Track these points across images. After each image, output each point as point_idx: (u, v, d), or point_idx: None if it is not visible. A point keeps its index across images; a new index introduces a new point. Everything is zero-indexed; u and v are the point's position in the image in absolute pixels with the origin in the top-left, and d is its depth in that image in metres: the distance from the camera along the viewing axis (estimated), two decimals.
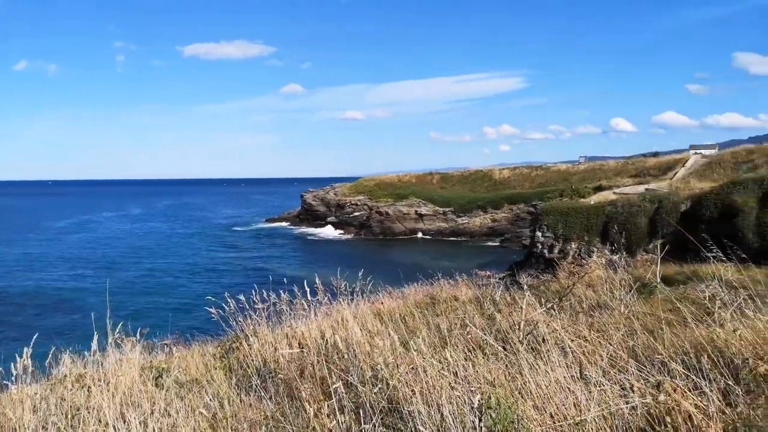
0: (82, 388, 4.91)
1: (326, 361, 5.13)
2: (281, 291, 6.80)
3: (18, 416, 4.40)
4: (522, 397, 3.51)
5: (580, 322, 5.45)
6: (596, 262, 11.74)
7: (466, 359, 4.15)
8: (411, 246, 69.80)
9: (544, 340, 4.42)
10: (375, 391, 3.77)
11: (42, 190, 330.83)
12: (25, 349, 5.04)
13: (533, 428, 3.16)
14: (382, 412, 3.67)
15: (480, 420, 3.12)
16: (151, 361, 6.26)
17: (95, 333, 5.38)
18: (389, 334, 5.03)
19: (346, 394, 3.97)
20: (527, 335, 4.86)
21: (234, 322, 6.54)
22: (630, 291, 7.55)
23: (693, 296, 6.48)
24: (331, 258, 53.03)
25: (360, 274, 7.99)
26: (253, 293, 6.72)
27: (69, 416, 4.44)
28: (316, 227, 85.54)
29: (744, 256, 7.31)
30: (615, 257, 10.64)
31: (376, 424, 3.54)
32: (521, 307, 5.35)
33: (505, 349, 4.51)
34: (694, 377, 3.41)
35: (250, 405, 4.75)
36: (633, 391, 3.36)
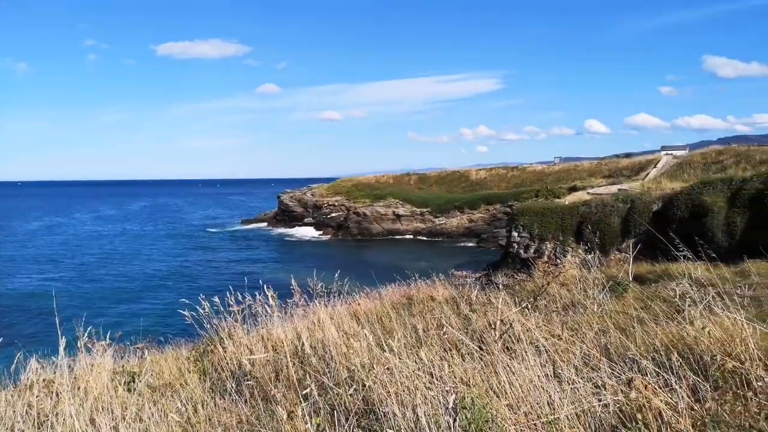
0: (51, 394, 4.80)
1: (302, 363, 5.09)
2: (257, 293, 6.73)
3: None
4: (497, 396, 3.53)
5: (554, 321, 5.51)
6: (571, 262, 11.89)
7: (441, 359, 4.16)
8: (388, 246, 69.84)
9: (518, 339, 4.46)
10: (350, 392, 3.75)
11: (10, 191, 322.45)
12: None
13: (507, 427, 3.18)
14: (358, 414, 3.66)
15: (455, 420, 3.13)
16: (123, 366, 6.15)
17: (64, 337, 5.25)
18: (365, 335, 5.02)
19: (321, 396, 3.94)
20: (502, 335, 4.89)
21: (209, 325, 6.46)
22: (603, 290, 7.67)
23: (664, 294, 6.62)
24: (308, 259, 52.75)
25: (336, 276, 7.96)
26: (228, 295, 6.64)
27: (37, 423, 4.33)
28: (293, 228, 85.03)
29: (713, 255, 7.48)
30: (589, 257, 10.81)
31: (352, 426, 3.52)
32: (497, 307, 5.39)
33: (480, 349, 4.53)
34: (664, 374, 3.47)
35: (225, 409, 4.69)
36: (605, 389, 3.41)
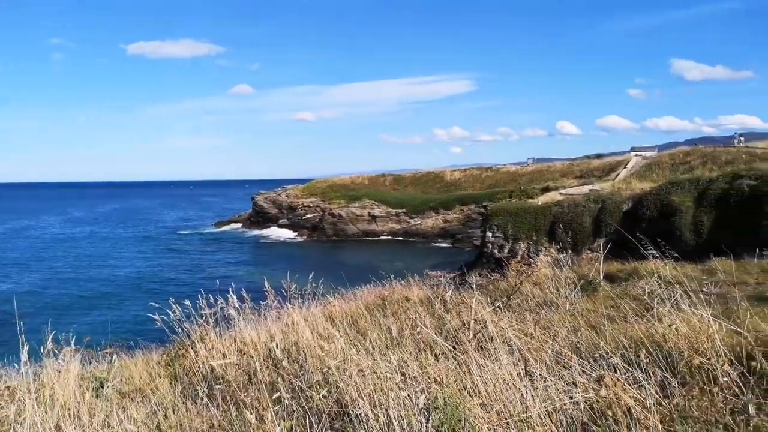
0: (15, 401, 4.65)
1: (275, 366, 5.04)
2: (230, 296, 6.63)
3: None
4: (470, 395, 3.54)
5: (527, 319, 5.56)
6: (543, 261, 12.04)
7: (415, 359, 4.16)
8: (364, 247, 69.77)
9: (492, 338, 4.48)
10: (322, 394, 3.73)
11: None
12: None
13: (480, 426, 3.19)
14: (330, 416, 3.63)
15: (428, 420, 3.13)
16: (91, 371, 6.00)
17: (27, 343, 5.09)
18: (339, 337, 4.99)
19: (294, 399, 3.91)
20: (476, 334, 4.92)
21: (180, 329, 6.34)
22: (575, 289, 7.78)
23: (633, 293, 6.74)
24: (282, 261, 52.32)
25: (311, 277, 7.91)
26: (200, 299, 6.54)
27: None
28: (267, 229, 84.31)
29: (676, 254, 7.64)
30: (561, 256, 10.94)
31: (325, 429, 3.50)
32: (470, 307, 5.41)
33: (454, 349, 4.54)
34: (633, 371, 3.52)
35: (196, 414, 4.61)
36: (576, 387, 3.44)
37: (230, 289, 6.58)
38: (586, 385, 3.40)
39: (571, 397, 3.35)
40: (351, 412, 3.52)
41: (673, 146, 72.86)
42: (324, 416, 3.60)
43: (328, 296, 9.28)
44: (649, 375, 3.46)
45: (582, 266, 11.80)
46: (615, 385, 3.24)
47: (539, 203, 40.82)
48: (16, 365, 5.42)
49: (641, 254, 7.09)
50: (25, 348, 5.05)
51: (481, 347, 4.52)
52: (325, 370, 4.20)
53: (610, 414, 3.14)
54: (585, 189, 44.77)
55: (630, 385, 3.32)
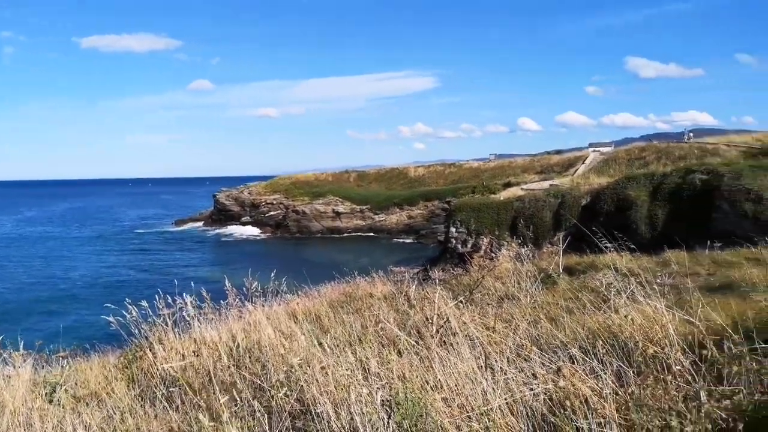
0: None
1: (237, 366, 4.96)
2: (190, 295, 6.49)
3: None
4: (433, 390, 3.55)
5: (488, 313, 5.62)
6: (505, 255, 12.22)
7: (378, 355, 4.15)
8: (328, 244, 69.51)
9: (455, 333, 4.51)
10: (282, 393, 3.68)
11: None
12: None
13: (441, 420, 3.20)
14: (292, 415, 3.59)
15: (389, 416, 3.13)
16: (44, 376, 5.79)
17: None
18: (301, 335, 4.95)
19: (256, 398, 3.85)
20: (439, 329, 4.94)
21: (137, 330, 6.17)
22: (535, 282, 7.91)
23: (591, 285, 6.89)
24: (245, 259, 51.64)
25: (273, 275, 7.81)
26: (158, 299, 6.37)
27: None
28: (230, 227, 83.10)
29: (632, 247, 7.85)
30: (523, 250, 11.12)
31: (287, 428, 3.46)
32: (434, 302, 5.43)
33: (417, 344, 4.55)
34: (591, 361, 3.60)
35: (155, 416, 4.50)
36: (536, 378, 3.50)
37: (194, 289, 6.44)
38: (546, 376, 3.46)
39: (531, 389, 3.40)
40: (313, 410, 3.49)
41: (628, 142, 74.87)
42: (285, 415, 3.56)
43: (291, 294, 9.20)
44: (606, 365, 3.54)
45: (543, 260, 12.03)
46: (573, 376, 3.30)
47: (501, 198, 41.44)
48: None
49: (598, 248, 7.28)
50: None
51: (444, 342, 4.54)
52: (287, 368, 4.15)
53: (569, 404, 3.20)
54: (545, 184, 45.65)
55: (587, 375, 3.39)
